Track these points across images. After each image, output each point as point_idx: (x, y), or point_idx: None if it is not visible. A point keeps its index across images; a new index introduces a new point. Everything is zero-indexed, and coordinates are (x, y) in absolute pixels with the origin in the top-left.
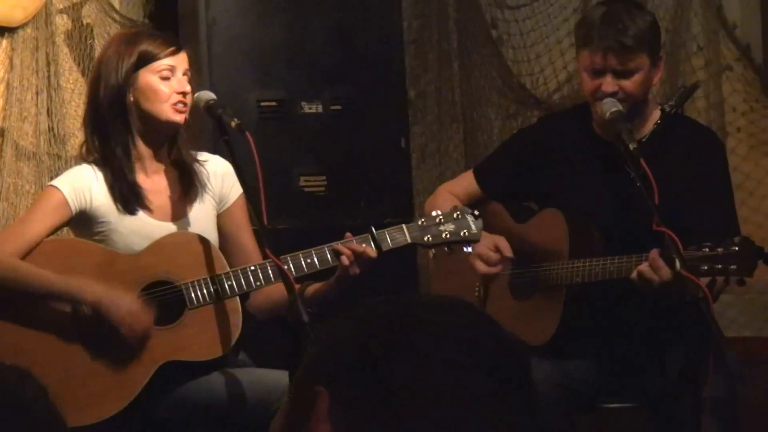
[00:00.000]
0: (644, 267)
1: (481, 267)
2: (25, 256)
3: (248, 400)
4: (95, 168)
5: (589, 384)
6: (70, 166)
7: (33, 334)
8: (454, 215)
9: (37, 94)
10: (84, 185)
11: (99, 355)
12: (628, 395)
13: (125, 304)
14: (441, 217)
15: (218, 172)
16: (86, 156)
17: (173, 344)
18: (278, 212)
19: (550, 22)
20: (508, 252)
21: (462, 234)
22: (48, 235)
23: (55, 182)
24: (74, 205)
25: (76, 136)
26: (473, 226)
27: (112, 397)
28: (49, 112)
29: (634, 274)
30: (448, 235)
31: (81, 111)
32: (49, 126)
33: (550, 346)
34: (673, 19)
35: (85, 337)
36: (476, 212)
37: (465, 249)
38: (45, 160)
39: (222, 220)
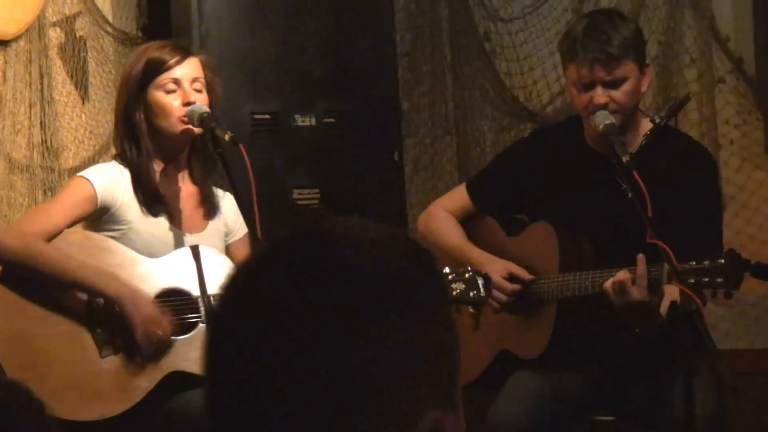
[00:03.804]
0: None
1: (500, 297)
2: (48, 241)
3: None
4: (122, 167)
5: (582, 397)
6: (64, 179)
7: (47, 323)
8: (466, 276)
9: (30, 106)
10: (113, 182)
11: (109, 353)
12: (620, 408)
13: (146, 308)
14: (453, 275)
15: (231, 207)
16: (115, 155)
17: (183, 355)
18: (271, 225)
19: (543, 35)
20: (524, 274)
21: (471, 295)
22: (71, 225)
23: (86, 174)
24: (102, 200)
25: (69, 148)
26: (482, 290)
27: (115, 398)
28: (42, 125)
29: (610, 282)
30: (458, 293)
31: (74, 124)
32: (42, 139)
33: (543, 359)
34: (666, 32)
35: (96, 334)
36: (486, 274)
37: (470, 310)
38: (38, 173)
39: (227, 252)
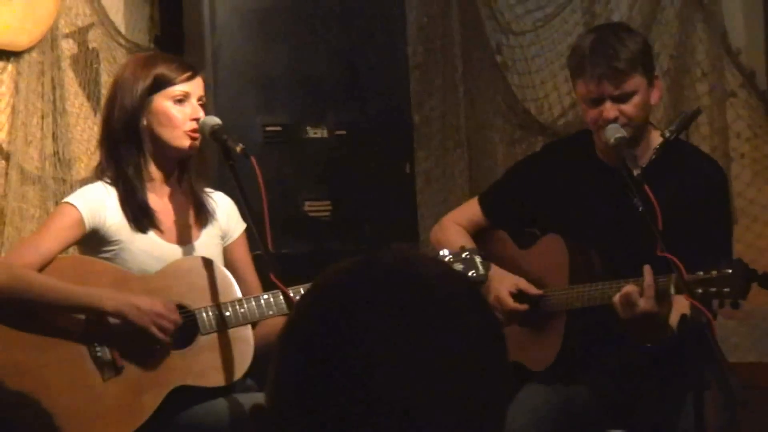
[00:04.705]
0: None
1: (500, 317)
2: (39, 271)
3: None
4: (108, 186)
5: (591, 410)
6: (75, 190)
7: (46, 352)
8: (463, 255)
9: (42, 118)
10: (99, 204)
11: (111, 376)
12: (630, 422)
13: (146, 305)
14: (450, 257)
15: (223, 208)
16: (100, 174)
17: (185, 369)
18: (283, 237)
19: (554, 48)
20: (533, 290)
21: (470, 275)
22: (61, 252)
23: (71, 200)
24: (89, 223)
25: (81, 160)
26: (481, 268)
27: (122, 420)
28: (54, 137)
29: (618, 295)
30: None
31: (86, 135)
32: (54, 150)
33: (552, 371)
34: (677, 45)
35: (97, 357)
36: (483, 254)
37: None
38: (50, 185)
39: (225, 254)
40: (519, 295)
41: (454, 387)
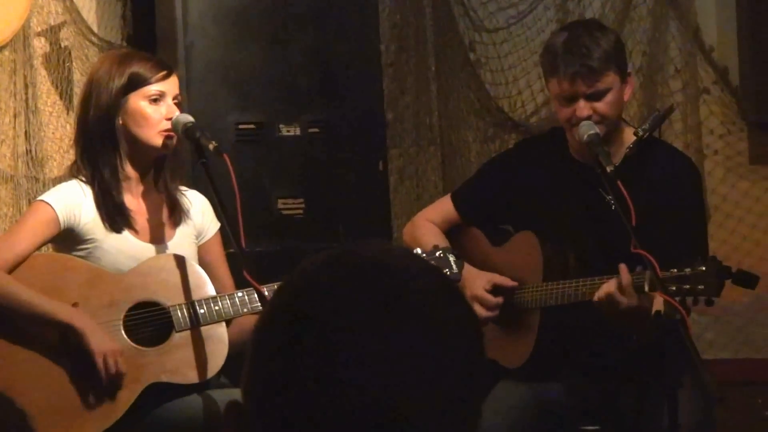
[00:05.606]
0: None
1: (482, 312)
2: (13, 269)
3: None
4: (84, 185)
5: (566, 407)
6: (48, 189)
7: (19, 349)
8: (436, 254)
9: (14, 117)
10: (74, 202)
11: (85, 373)
12: (605, 418)
13: (106, 342)
14: (424, 256)
15: (198, 206)
16: (75, 173)
17: (159, 366)
18: (256, 235)
19: (527, 45)
20: (507, 282)
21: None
22: (35, 250)
23: (45, 198)
24: (64, 221)
25: (54, 159)
26: (454, 266)
27: (96, 416)
28: (27, 135)
29: (597, 296)
30: None
31: (59, 134)
32: (27, 149)
33: (526, 369)
34: (650, 42)
35: (71, 356)
36: (457, 252)
37: None
38: (23, 183)
39: (200, 253)
40: (493, 291)
41: (432, 382)
